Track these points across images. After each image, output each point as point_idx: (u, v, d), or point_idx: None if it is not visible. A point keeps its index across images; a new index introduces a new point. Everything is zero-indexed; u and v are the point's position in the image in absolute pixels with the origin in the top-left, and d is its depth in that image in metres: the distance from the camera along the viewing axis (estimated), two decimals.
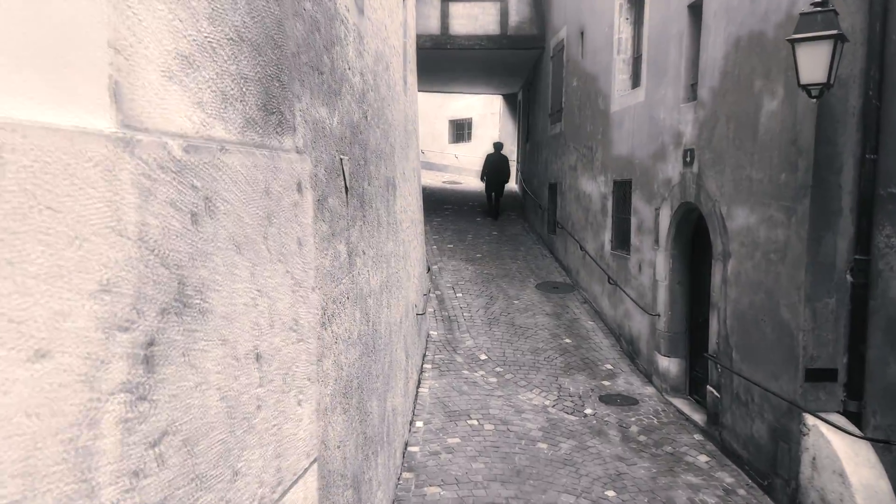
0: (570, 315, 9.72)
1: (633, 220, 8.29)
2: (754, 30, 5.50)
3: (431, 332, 8.88)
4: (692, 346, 7.27)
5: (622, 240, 8.88)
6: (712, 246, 6.25)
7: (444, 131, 22.71)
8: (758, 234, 5.46)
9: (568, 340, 8.83)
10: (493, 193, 15.22)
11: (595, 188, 9.93)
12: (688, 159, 6.70)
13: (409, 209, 7.20)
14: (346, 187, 3.66)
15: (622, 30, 8.95)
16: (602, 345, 8.77)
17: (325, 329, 3.05)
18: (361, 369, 3.96)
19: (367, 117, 4.45)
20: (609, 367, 8.13)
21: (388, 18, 5.82)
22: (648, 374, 7.81)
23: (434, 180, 19.97)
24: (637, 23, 8.80)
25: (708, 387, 6.40)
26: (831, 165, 4.79)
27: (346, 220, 3.65)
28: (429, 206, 15.41)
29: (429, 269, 9.65)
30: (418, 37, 13.01)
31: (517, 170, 19.05)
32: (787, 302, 5.09)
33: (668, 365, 7.37)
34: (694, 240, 7.15)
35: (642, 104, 8.05)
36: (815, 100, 4.56)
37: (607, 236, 9.35)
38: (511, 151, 20.54)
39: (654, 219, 7.61)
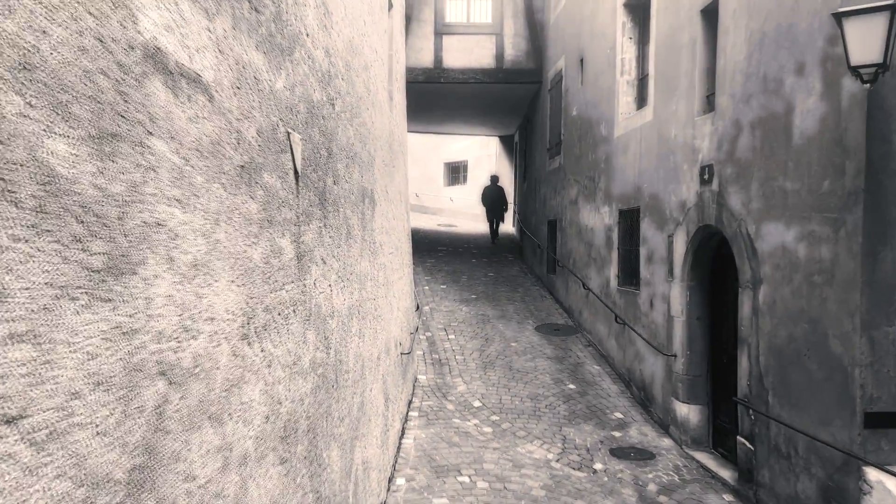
0: (573, 359, 8.81)
1: (643, 251, 7.50)
2: (782, 23, 4.83)
3: (419, 377, 7.96)
4: (715, 391, 6.37)
5: (630, 274, 8.07)
6: (738, 272, 5.44)
7: (440, 174, 22.16)
8: (796, 254, 4.66)
9: (572, 386, 7.90)
10: (493, 220, 16.73)
11: (598, 221, 9.17)
12: (705, 177, 5.95)
13: (393, 233, 6.41)
14: (295, 171, 2.88)
15: (625, 50, 8.37)
16: (610, 391, 7.84)
17: (249, 344, 2.21)
18: (315, 408, 3.08)
19: (333, 105, 3.71)
20: (619, 415, 7.19)
21: (368, 16, 5.17)
22: (664, 423, 6.87)
23: (428, 223, 19.28)
24: (641, 41, 8.23)
25: (738, 438, 5.48)
26: (886, 166, 4.03)
27: (296, 213, 2.85)
28: (422, 247, 14.69)
29: (418, 308, 8.80)
30: (411, 70, 12.55)
31: (514, 211, 18.39)
32: (838, 332, 4.25)
33: (688, 413, 6.44)
34: (714, 268, 6.35)
35: (650, 124, 7.37)
36: (867, 86, 3.83)
37: (613, 271, 8.55)
38: (508, 194, 19.92)
39: (667, 247, 6.82)
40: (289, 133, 2.78)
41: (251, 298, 2.25)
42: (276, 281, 2.54)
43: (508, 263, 14.25)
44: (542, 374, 8.22)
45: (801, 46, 4.61)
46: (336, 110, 3.78)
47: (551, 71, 12.19)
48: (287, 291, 2.68)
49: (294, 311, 2.78)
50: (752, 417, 5.23)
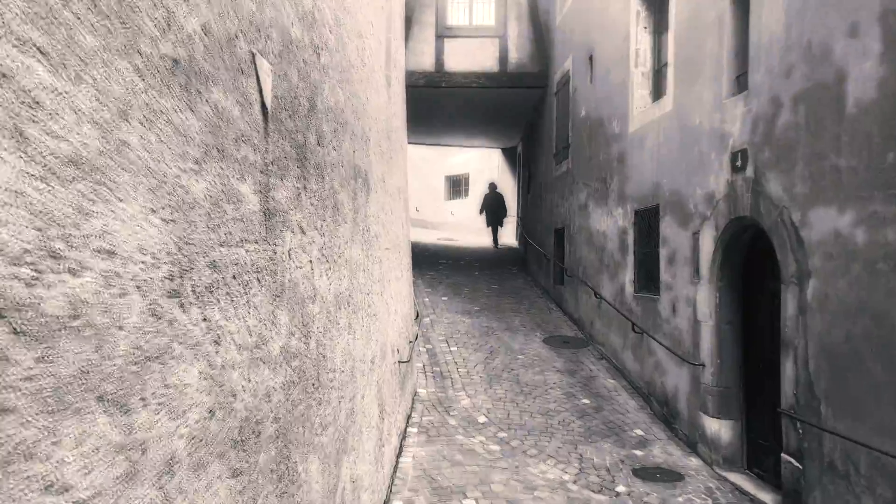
0: (585, 372, 8.14)
1: (663, 252, 6.88)
2: None
3: (419, 390, 7.29)
4: (750, 404, 5.70)
5: (648, 278, 7.44)
6: (780, 267, 4.82)
7: (441, 187, 21.61)
8: (853, 240, 4.05)
9: (586, 401, 7.23)
10: (494, 225, 17.50)
11: (611, 224, 8.57)
12: (738, 164, 5.36)
13: (392, 229, 5.81)
14: (263, 105, 2.29)
15: (640, 40, 7.84)
16: (628, 406, 7.16)
17: (182, 306, 1.60)
18: (288, 408, 2.45)
19: (318, 55, 3.15)
20: (640, 432, 6.50)
21: None
22: (692, 441, 6.19)
23: (429, 237, 18.69)
24: (657, 30, 7.70)
25: (782, 455, 4.81)
26: None
27: (263, 158, 2.26)
28: (422, 260, 14.11)
29: (417, 316, 8.16)
30: (411, 73, 12.06)
31: (517, 224, 17.81)
32: None
33: (719, 429, 5.77)
34: (746, 266, 5.73)
35: (669, 114, 6.81)
36: None
37: (628, 277, 7.92)
38: (510, 207, 19.37)
39: (692, 246, 6.20)
40: (254, 55, 2.19)
41: (187, 244, 1.64)
42: (231, 233, 1.92)
43: (512, 276, 13.62)
44: (553, 387, 7.54)
45: (854, 4, 4.04)
46: (322, 63, 3.20)
47: (557, 73, 11.68)
48: (248, 252, 2.07)
49: (258, 281, 2.16)
50: (801, 431, 4.57)
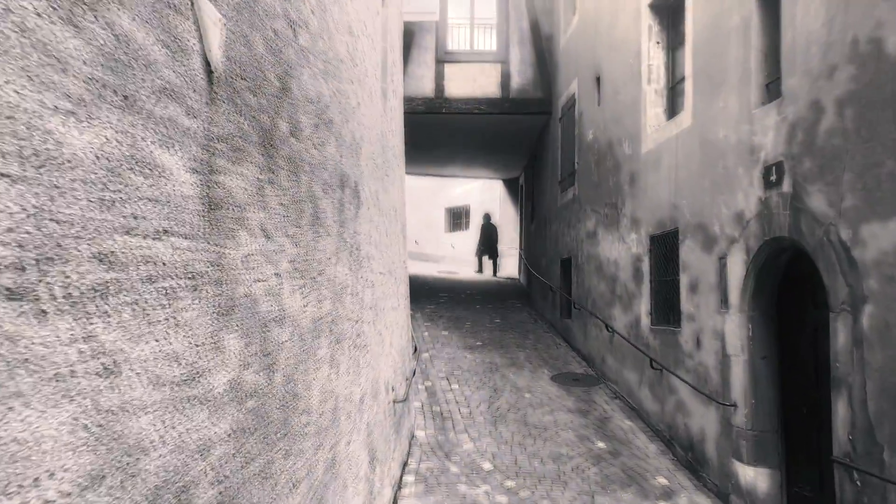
0: (598, 412, 7.47)
1: (684, 280, 6.30)
2: None
3: (417, 433, 6.63)
4: (791, 450, 5.05)
5: (667, 309, 6.84)
6: (828, 292, 4.23)
7: (441, 220, 21.10)
8: None
9: (601, 444, 6.55)
10: (485, 256, 18.27)
11: (623, 251, 8.01)
12: (772, 178, 4.82)
13: (386, 252, 5.25)
14: (206, 62, 1.75)
15: (652, 56, 7.40)
16: (648, 450, 6.49)
17: (39, 319, 1.02)
18: (237, 463, 1.84)
19: (295, 32, 2.65)
20: (663, 480, 5.82)
21: None
22: (723, 491, 5.51)
23: (429, 270, 18.11)
24: (671, 44, 7.26)
25: None
26: None
27: (203, 126, 1.71)
28: (421, 294, 13.55)
29: (415, 351, 7.53)
30: (411, 99, 11.69)
31: (520, 256, 17.25)
32: None
33: (755, 478, 5.11)
34: (783, 293, 5.14)
35: (688, 131, 6.30)
36: None
37: (644, 308, 7.32)
38: (512, 240, 18.86)
39: (719, 272, 5.63)
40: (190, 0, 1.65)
41: (52, 220, 1.07)
42: (142, 218, 1.35)
43: (516, 310, 13.00)
44: (564, 429, 6.87)
45: None
46: (300, 43, 2.69)
47: (562, 97, 11.26)
48: (175, 249, 1.50)
49: (193, 290, 1.59)
50: (859, 483, 3.92)
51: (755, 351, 5.20)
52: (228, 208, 1.83)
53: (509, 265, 18.84)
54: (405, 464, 5.80)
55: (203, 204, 1.67)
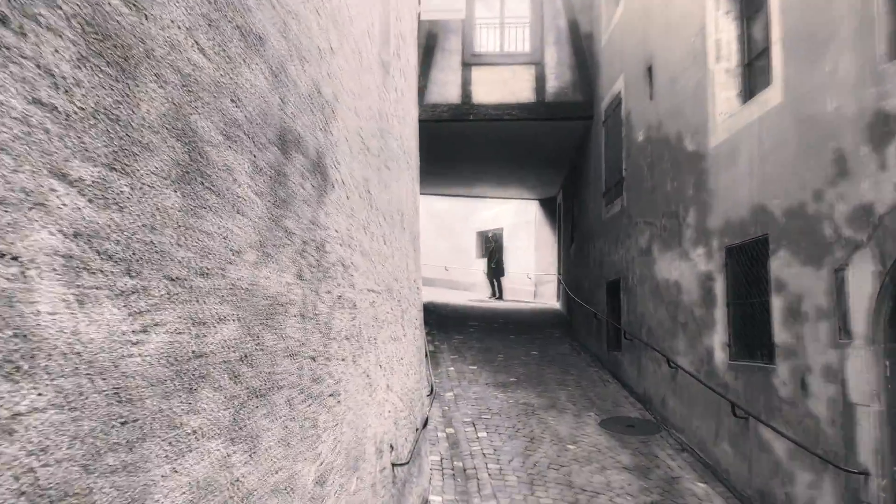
0: (662, 471, 5.95)
1: (778, 302, 4.84)
2: None
3: (432, 498, 5.22)
4: None
5: (752, 339, 5.36)
6: None
7: (472, 245, 19.75)
8: None
9: None
10: (498, 278, 17.85)
11: (687, 269, 6.56)
12: None
13: (384, 263, 3.97)
14: None
15: (721, 29, 6.04)
16: None
17: None
18: None
19: None
20: None
21: None
22: None
23: (458, 298, 16.74)
24: (745, 12, 5.90)
25: None
26: None
27: None
28: (449, 324, 12.24)
29: (431, 391, 6.15)
30: (434, 106, 10.56)
31: (558, 282, 15.79)
32: None
33: None
34: None
35: (778, 110, 4.91)
36: None
37: (718, 339, 5.84)
38: (550, 264, 17.41)
39: (834, 289, 4.16)
40: None
41: None
42: None
43: (555, 340, 11.53)
44: (620, 494, 5.38)
45: None
46: None
47: (605, 98, 9.93)
48: None
49: None
50: None
51: (894, 397, 3.71)
52: None
53: (547, 292, 17.38)
54: None
55: None
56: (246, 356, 1.79)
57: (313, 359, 2.42)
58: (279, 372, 2.04)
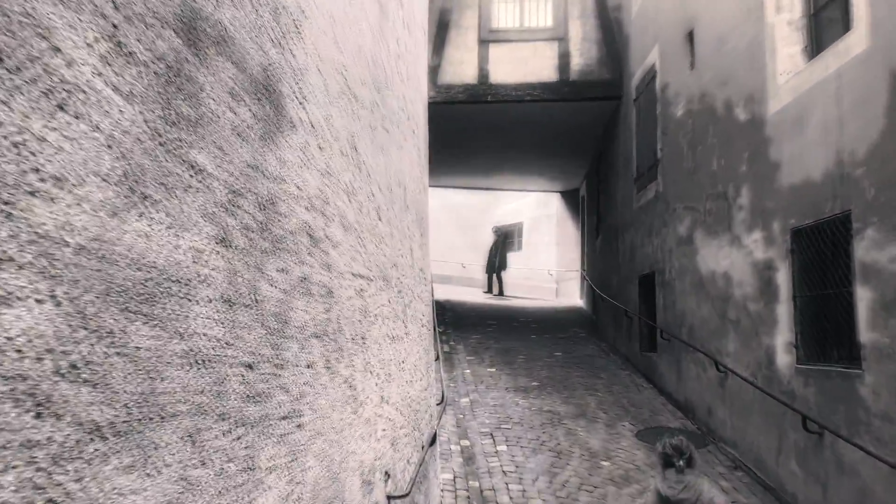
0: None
1: (865, 293, 3.95)
2: None
3: None
4: None
5: (828, 338, 4.47)
6: None
7: (490, 240, 18.91)
8: None
9: None
10: (499, 273, 16.60)
11: (740, 258, 5.67)
12: None
13: (378, 245, 3.17)
14: None
15: None
16: None
17: None
18: None
19: None
20: None
21: None
22: None
23: (476, 297, 15.90)
24: None
25: None
26: None
27: None
28: (466, 323, 11.44)
29: (442, 400, 5.34)
30: (449, 87, 9.81)
31: (581, 278, 14.90)
32: None
33: None
34: None
35: (862, 60, 4.02)
36: None
37: (781, 338, 4.96)
38: (572, 260, 16.52)
39: None
40: None
41: None
42: None
43: (581, 341, 10.65)
44: None
45: None
46: None
47: (637, 74, 9.04)
48: None
49: None
50: None
51: None
52: None
53: (569, 290, 16.48)
54: None
55: None
56: (75, 367, 0.99)
57: (250, 367, 1.62)
58: (166, 390, 1.23)
